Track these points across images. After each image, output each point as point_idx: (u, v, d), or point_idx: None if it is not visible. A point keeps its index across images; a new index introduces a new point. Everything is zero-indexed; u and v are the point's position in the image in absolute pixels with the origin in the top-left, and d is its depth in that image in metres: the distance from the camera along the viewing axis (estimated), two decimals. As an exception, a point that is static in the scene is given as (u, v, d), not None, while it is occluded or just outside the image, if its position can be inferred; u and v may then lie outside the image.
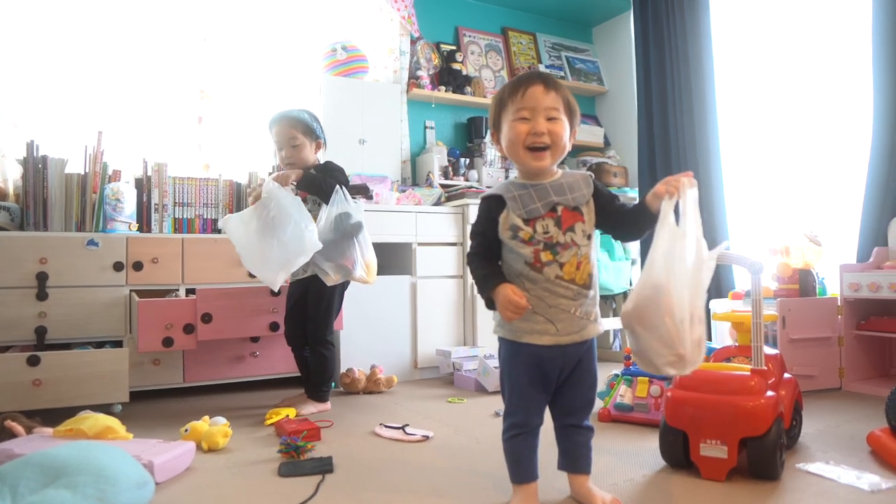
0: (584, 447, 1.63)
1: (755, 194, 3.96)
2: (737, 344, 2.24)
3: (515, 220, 1.54)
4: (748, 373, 1.88)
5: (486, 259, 1.60)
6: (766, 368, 1.90)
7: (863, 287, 2.95)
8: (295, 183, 2.64)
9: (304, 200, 2.72)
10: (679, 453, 1.88)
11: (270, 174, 2.87)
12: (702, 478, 1.81)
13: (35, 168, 2.86)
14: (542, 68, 4.67)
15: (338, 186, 2.63)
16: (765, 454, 1.77)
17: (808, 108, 3.65)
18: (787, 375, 2.13)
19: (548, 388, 1.59)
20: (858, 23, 3.38)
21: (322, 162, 2.82)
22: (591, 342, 1.60)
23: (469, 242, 1.69)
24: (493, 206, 1.58)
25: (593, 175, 1.61)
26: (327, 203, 2.62)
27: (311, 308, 2.75)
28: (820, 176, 3.60)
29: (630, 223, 1.58)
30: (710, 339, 3.52)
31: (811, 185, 3.63)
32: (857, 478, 1.78)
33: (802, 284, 3.11)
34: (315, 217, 2.61)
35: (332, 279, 2.64)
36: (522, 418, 1.58)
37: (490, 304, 1.56)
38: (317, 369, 2.78)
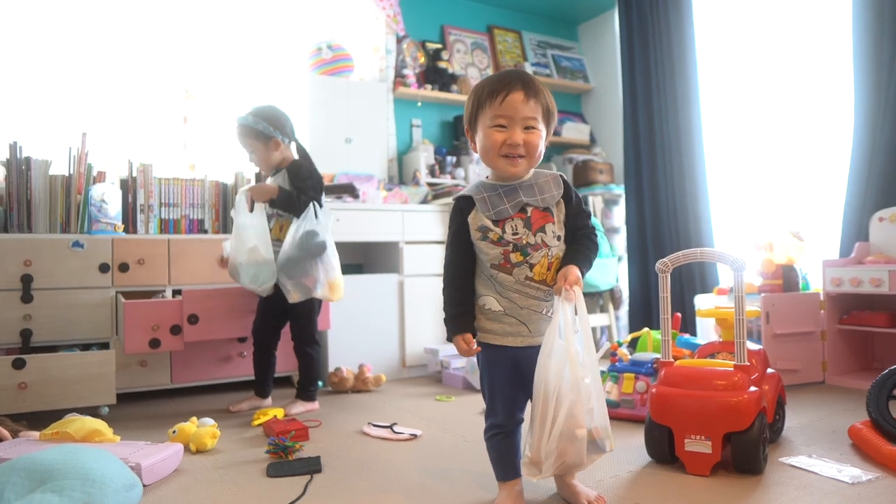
0: None
1: (739, 191, 3.99)
2: (721, 340, 2.27)
3: (484, 222, 1.55)
4: (731, 369, 1.91)
5: (458, 289, 1.60)
6: (749, 364, 1.92)
7: (845, 282, 2.99)
8: (267, 203, 2.63)
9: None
10: (664, 449, 1.90)
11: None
12: (687, 473, 1.84)
13: (18, 170, 2.84)
14: (527, 66, 4.69)
15: (311, 204, 2.61)
16: (748, 449, 1.79)
17: (790, 105, 3.69)
18: (770, 370, 2.16)
19: (526, 386, 1.59)
20: (839, 20, 3.42)
21: (295, 158, 2.76)
22: None
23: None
24: (463, 206, 1.60)
25: (564, 176, 1.61)
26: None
27: (292, 310, 2.74)
28: (803, 172, 3.64)
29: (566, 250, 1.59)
30: (694, 334, 3.56)
31: (794, 182, 3.67)
32: (839, 471, 1.81)
33: (786, 280, 3.14)
34: (287, 225, 2.63)
35: (293, 297, 2.62)
36: (503, 419, 1.60)
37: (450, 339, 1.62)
38: (304, 369, 2.79)
